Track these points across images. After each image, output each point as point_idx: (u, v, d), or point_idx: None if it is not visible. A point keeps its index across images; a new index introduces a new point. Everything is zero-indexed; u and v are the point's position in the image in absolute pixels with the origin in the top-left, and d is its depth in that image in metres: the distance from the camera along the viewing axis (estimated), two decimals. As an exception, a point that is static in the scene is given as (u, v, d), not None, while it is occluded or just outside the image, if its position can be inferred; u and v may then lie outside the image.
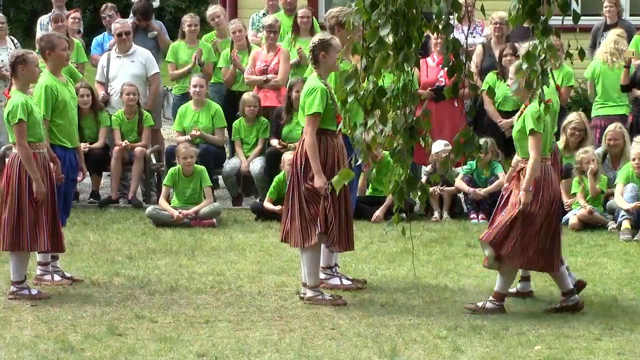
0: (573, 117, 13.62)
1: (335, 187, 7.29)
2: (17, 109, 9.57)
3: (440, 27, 6.37)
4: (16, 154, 9.72)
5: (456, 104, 13.71)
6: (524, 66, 6.63)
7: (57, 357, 8.06)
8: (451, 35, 6.39)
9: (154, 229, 12.84)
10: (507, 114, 14.06)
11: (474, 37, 14.95)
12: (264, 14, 15.96)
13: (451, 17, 6.39)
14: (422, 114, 6.70)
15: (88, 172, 14.65)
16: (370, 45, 6.36)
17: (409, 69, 6.54)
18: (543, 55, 6.45)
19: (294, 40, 14.92)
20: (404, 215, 7.13)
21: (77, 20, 16.33)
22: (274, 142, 13.96)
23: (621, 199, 12.74)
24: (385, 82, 6.62)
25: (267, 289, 10.19)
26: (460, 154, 6.69)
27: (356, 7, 6.42)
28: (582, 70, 15.38)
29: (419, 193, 6.74)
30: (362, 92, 6.48)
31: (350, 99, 6.52)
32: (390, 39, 6.35)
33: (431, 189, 13.00)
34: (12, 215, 9.66)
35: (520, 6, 6.35)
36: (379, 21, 6.29)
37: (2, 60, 14.97)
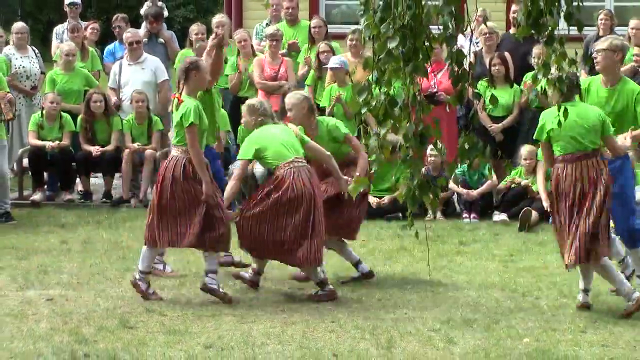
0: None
1: (352, 194, 7.34)
2: (190, 113, 9.32)
3: (444, 38, 6.37)
4: (175, 155, 9.48)
5: (447, 109, 13.75)
6: (539, 75, 6.63)
7: (72, 349, 8.05)
8: (455, 47, 6.38)
9: (163, 227, 12.82)
10: (497, 119, 14.11)
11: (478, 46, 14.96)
12: (267, 24, 15.97)
13: (454, 29, 6.39)
14: (432, 122, 6.69)
15: (101, 174, 14.73)
16: (380, 57, 6.36)
17: (418, 79, 6.54)
18: (556, 63, 6.46)
19: (309, 51, 14.93)
20: (400, 214, 7.12)
21: (95, 30, 16.39)
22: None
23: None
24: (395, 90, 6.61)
25: (269, 284, 10.18)
26: (465, 159, 6.68)
27: (366, 22, 6.41)
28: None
29: (431, 198, 6.73)
30: (374, 103, 6.47)
31: (363, 110, 6.52)
32: (399, 51, 6.34)
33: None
34: (160, 213, 9.46)
35: (524, 18, 6.35)
36: (388, 34, 6.28)
37: (23, 67, 14.98)
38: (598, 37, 15.45)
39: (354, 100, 6.60)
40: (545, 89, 6.84)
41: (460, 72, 6.40)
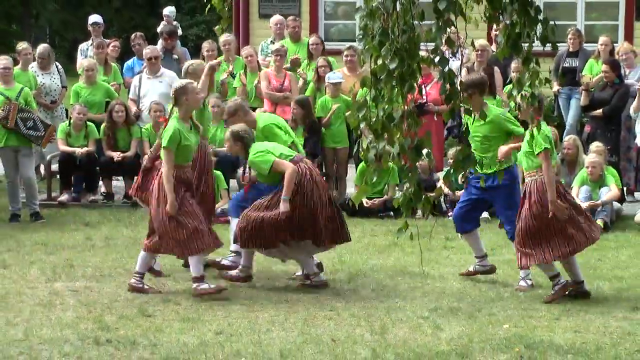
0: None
1: (355, 201, 7.37)
2: (168, 136, 9.21)
3: (437, 60, 6.36)
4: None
5: (435, 118, 13.73)
6: (514, 92, 6.64)
7: (95, 335, 8.05)
8: (446, 68, 6.39)
9: (178, 225, 12.82)
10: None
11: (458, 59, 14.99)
12: (271, 41, 15.98)
13: (446, 51, 6.40)
14: (424, 134, 6.69)
15: (122, 177, 14.73)
16: (381, 77, 6.35)
17: (409, 95, 6.54)
18: (529, 81, 6.46)
19: (308, 66, 14.96)
20: (392, 212, 7.10)
21: (116, 47, 16.39)
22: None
23: (577, 199, 12.73)
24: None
25: (274, 276, 10.18)
26: (459, 169, 6.66)
27: (367, 46, 6.40)
28: (545, 90, 15.37)
29: (424, 204, 6.72)
30: (373, 119, 6.47)
31: (362, 125, 6.52)
32: (398, 72, 6.34)
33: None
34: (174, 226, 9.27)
35: (504, 40, 6.36)
36: (388, 57, 6.28)
37: (44, 84, 14.94)
38: (569, 53, 15.50)
39: (353, 116, 6.56)
40: (519, 104, 6.85)
41: (452, 90, 6.40)
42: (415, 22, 6.26)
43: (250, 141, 9.84)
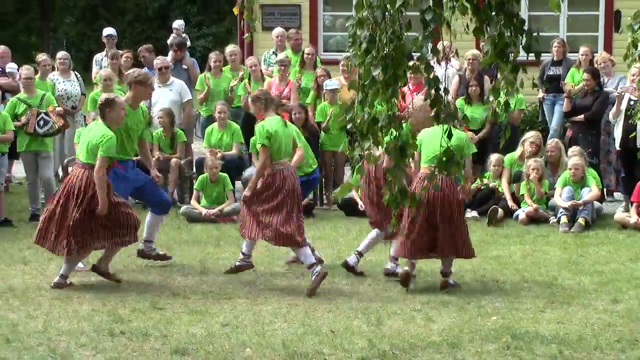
0: (532, 134, 13.69)
1: (339, 196, 7.36)
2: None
3: (423, 67, 6.36)
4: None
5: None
6: (490, 97, 6.64)
7: (109, 327, 8.04)
8: (432, 74, 6.38)
9: (187, 224, 12.83)
10: (473, 132, 14.05)
11: (447, 69, 14.96)
12: (273, 52, 15.99)
13: (432, 59, 6.39)
14: (411, 137, 6.68)
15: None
16: (365, 83, 6.35)
17: (396, 102, 6.53)
18: (506, 89, 6.46)
19: (300, 73, 14.97)
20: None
21: (129, 58, 16.36)
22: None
23: (560, 199, 12.76)
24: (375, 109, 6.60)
25: (277, 271, 10.18)
26: (442, 170, 6.65)
27: (353, 52, 6.40)
28: (531, 97, 15.41)
29: (410, 201, 6.71)
30: (358, 121, 6.46)
31: (349, 126, 6.51)
32: (380, 78, 6.33)
33: None
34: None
35: (491, 49, 6.35)
36: (373, 63, 6.28)
37: (65, 90, 14.95)
38: (553, 62, 15.49)
39: (341, 117, 6.53)
40: (495, 110, 6.84)
41: (437, 95, 6.39)
42: (403, 32, 6.25)
43: (270, 102, 9.81)
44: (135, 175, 10.07)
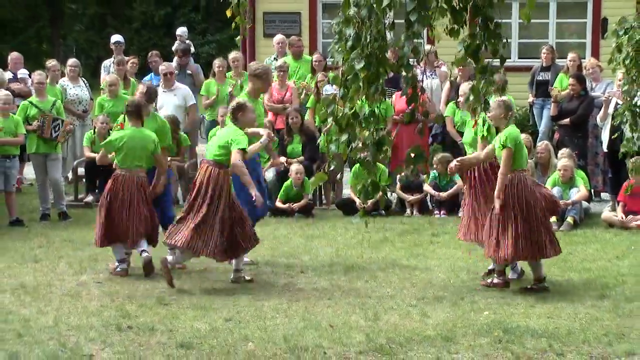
0: (523, 136, 13.60)
1: (312, 186, 7.31)
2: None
3: (403, 66, 6.36)
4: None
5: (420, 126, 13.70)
6: (471, 97, 6.64)
7: (117, 322, 8.04)
8: (410, 73, 6.38)
9: (191, 223, 12.80)
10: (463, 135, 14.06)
11: (432, 78, 14.98)
12: (274, 58, 15.99)
13: (412, 59, 6.39)
14: (387, 133, 6.67)
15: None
16: (348, 78, 6.35)
17: (377, 98, 6.51)
18: (485, 89, 6.46)
19: (312, 80, 14.96)
20: (383, 211, 7.04)
21: (134, 64, 16.38)
22: (282, 159, 13.84)
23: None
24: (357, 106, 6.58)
25: (278, 269, 10.17)
26: (409, 165, 6.65)
27: (339, 48, 6.41)
28: (522, 101, 15.40)
29: (379, 194, 6.69)
30: (339, 115, 6.44)
31: (329, 119, 6.50)
32: (362, 74, 6.33)
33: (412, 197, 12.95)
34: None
35: (463, 49, 6.35)
36: (356, 60, 6.28)
37: (77, 94, 14.95)
38: (542, 68, 15.49)
39: (322, 111, 6.51)
40: (474, 108, 6.85)
41: (413, 93, 6.39)
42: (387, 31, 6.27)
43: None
44: None
